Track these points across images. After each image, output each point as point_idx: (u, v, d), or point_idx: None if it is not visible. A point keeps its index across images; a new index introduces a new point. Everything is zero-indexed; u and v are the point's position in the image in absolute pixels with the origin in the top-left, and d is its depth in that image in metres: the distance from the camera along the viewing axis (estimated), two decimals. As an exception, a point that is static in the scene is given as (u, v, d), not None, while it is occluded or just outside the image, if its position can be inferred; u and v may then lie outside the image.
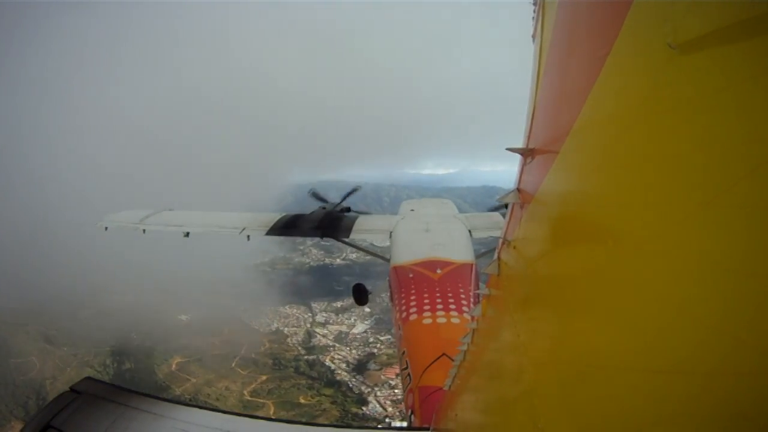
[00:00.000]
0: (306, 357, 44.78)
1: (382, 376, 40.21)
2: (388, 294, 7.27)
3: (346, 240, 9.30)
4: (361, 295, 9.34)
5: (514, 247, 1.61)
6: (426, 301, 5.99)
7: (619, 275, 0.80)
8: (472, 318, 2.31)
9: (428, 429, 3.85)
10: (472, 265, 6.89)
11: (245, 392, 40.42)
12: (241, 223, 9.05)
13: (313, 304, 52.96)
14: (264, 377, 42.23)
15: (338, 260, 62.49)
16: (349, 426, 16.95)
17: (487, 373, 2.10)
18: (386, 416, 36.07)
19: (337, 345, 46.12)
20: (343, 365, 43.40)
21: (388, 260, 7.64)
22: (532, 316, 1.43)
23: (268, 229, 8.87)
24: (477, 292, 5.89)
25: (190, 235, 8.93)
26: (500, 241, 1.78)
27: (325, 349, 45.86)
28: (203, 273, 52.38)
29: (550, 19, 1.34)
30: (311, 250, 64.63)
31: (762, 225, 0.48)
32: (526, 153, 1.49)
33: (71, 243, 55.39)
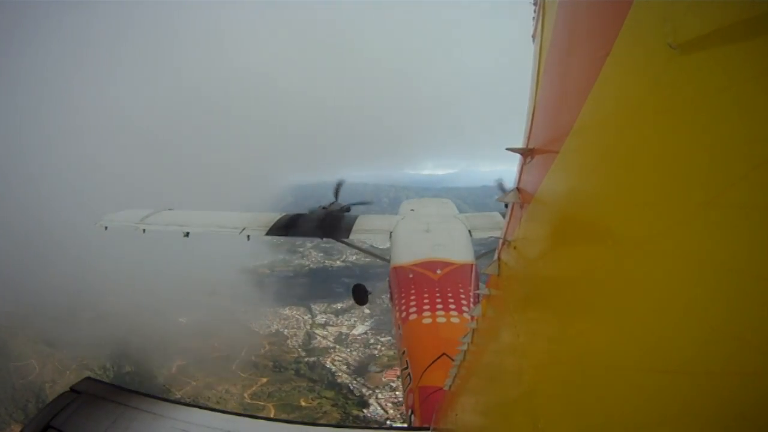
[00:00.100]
0: (306, 359, 44.60)
1: (383, 378, 40.05)
2: (388, 294, 7.27)
3: (346, 240, 9.31)
4: (361, 295, 9.35)
5: (514, 248, 1.61)
6: (426, 300, 5.99)
7: (620, 275, 0.80)
8: (472, 318, 2.31)
9: (428, 429, 3.84)
10: (472, 265, 6.90)
11: (246, 395, 40.24)
12: (241, 223, 9.05)
13: (312, 306, 52.76)
14: (264, 380, 42.06)
15: (338, 262, 62.36)
16: (349, 426, 16.91)
17: (487, 373, 2.10)
18: (387, 418, 35.94)
19: (338, 346, 45.95)
20: (344, 367, 43.22)
21: (388, 261, 7.64)
22: (533, 316, 1.43)
23: (268, 229, 8.88)
24: (477, 292, 5.90)
25: (190, 235, 8.93)
26: (500, 241, 1.79)
27: (325, 350, 45.68)
28: (202, 275, 52.25)
29: (550, 19, 1.34)
30: (311, 252, 64.50)
31: (763, 225, 0.48)
32: (526, 153, 1.49)
33: (71, 244, 55.27)
